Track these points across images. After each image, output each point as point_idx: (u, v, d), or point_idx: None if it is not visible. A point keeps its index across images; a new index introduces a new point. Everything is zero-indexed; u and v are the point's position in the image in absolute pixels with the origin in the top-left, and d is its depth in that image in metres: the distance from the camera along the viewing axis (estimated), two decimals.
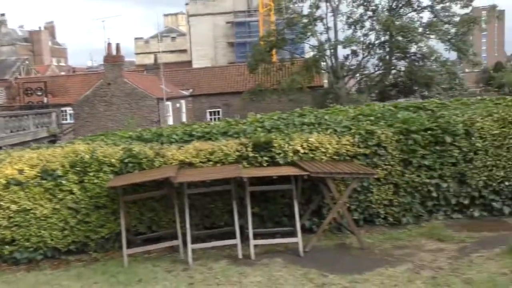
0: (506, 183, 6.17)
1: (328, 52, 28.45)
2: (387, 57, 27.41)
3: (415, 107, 6.90)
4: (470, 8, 27.94)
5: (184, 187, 5.40)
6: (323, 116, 6.58)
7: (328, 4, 27.71)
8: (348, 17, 28.28)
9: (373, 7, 27.95)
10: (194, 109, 36.83)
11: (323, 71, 29.82)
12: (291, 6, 29.46)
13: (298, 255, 5.38)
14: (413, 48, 25.87)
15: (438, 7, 27.37)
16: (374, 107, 6.87)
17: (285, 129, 6.31)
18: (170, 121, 28.44)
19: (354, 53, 29.04)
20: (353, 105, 8.41)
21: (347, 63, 28.98)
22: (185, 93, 36.70)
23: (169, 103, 28.87)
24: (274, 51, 30.49)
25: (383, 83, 28.04)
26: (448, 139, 6.01)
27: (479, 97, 9.16)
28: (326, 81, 33.80)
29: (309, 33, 26.68)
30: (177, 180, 5.22)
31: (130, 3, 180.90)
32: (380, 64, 28.11)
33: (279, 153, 5.87)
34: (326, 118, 6.47)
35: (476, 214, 6.20)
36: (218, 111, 36.72)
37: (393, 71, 28.58)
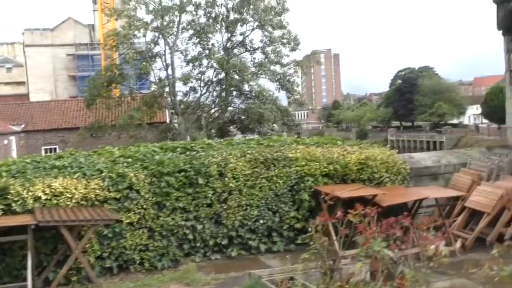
0: (261, 221, 6.39)
1: (167, 89, 28.47)
2: (224, 94, 28.26)
3: (183, 147, 6.91)
4: (298, 50, 30.15)
5: None
6: (80, 158, 6.21)
7: (165, 41, 27.82)
8: (186, 55, 28.71)
9: (210, 46, 28.76)
10: (27, 146, 34.03)
11: (163, 108, 29.64)
12: (131, 41, 29.06)
13: None
14: (246, 87, 27.07)
15: (269, 49, 29.18)
16: (140, 148, 6.71)
17: (32, 173, 5.80)
18: None
19: (194, 90, 29.45)
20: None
21: (186, 99, 29.20)
22: (16, 128, 33.80)
23: None
24: (116, 86, 29.62)
25: (220, 119, 28.76)
26: (201, 180, 6.06)
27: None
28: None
29: (148, 69, 26.40)
30: None
31: None
32: (217, 101, 28.85)
33: (17, 200, 5.36)
34: (81, 161, 6.11)
35: (233, 253, 6.29)
36: (55, 148, 34.27)
37: (230, 108, 29.52)
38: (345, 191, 5.97)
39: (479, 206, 7.04)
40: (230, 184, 6.21)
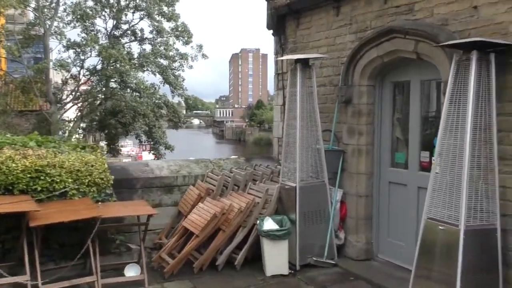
0: None
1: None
2: (102, 84, 26.52)
3: None
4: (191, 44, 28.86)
5: None
6: None
7: (41, 23, 25.65)
8: (69, 40, 26.65)
9: (94, 32, 26.89)
10: None
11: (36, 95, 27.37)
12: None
13: None
14: (129, 78, 25.44)
15: (159, 40, 27.76)
16: None
17: None
18: None
19: (74, 78, 27.42)
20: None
21: (63, 87, 27.12)
22: None
23: None
24: None
25: (99, 111, 26.97)
26: None
27: None
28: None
29: (13, 51, 24.10)
30: None
31: None
32: (98, 91, 27.06)
33: None
34: None
35: None
36: None
37: (113, 100, 27.76)
38: None
39: (192, 226, 6.13)
40: None
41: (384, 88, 6.23)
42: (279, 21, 7.59)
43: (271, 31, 7.87)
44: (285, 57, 6.67)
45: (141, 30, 28.24)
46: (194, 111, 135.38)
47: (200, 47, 27.23)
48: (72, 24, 26.15)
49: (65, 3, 26.64)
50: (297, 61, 6.27)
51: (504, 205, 4.46)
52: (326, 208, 6.30)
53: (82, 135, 28.27)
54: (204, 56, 27.17)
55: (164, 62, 27.03)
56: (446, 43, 4.54)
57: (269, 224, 6.05)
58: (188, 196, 6.71)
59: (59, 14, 26.37)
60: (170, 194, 6.84)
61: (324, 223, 6.28)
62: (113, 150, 28.61)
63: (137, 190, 6.61)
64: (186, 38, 28.24)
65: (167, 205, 6.82)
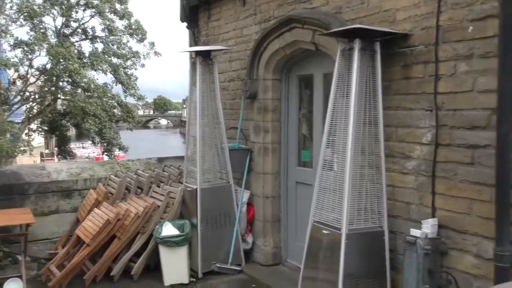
0: None
1: None
2: (51, 83, 25.53)
3: None
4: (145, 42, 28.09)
5: None
6: None
7: None
8: (16, 39, 25.57)
9: (43, 30, 25.88)
10: None
11: None
12: None
13: None
14: (78, 77, 24.53)
15: (112, 38, 26.95)
16: None
17: None
18: None
19: (22, 78, 26.34)
20: None
21: (9, 87, 25.99)
22: None
23: None
24: None
25: (48, 112, 25.94)
26: None
27: None
28: None
29: None
30: None
31: None
32: (46, 90, 26.04)
33: None
34: None
35: None
36: None
37: (63, 100, 26.80)
38: None
39: (83, 234, 5.65)
40: None
41: (291, 82, 5.87)
42: (192, 13, 7.17)
43: (185, 24, 7.43)
44: (183, 50, 6.23)
45: (92, 28, 27.38)
46: (167, 112, 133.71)
47: (152, 44, 26.56)
48: (18, 22, 25.12)
49: (11, 0, 25.42)
50: (198, 54, 5.86)
51: (393, 206, 4.15)
52: (232, 211, 5.91)
53: (31, 136, 27.10)
54: (157, 53, 26.51)
55: (117, 61, 26.25)
56: (329, 31, 4.20)
57: (169, 230, 5.62)
58: (86, 201, 6.22)
59: (7, 12, 25.35)
60: (69, 199, 6.34)
61: (230, 226, 5.88)
62: (64, 152, 27.66)
63: (30, 196, 6.09)
64: (140, 36, 27.55)
65: (66, 211, 6.32)
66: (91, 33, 27.39)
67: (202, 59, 5.84)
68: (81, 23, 26.72)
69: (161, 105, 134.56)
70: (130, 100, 28.47)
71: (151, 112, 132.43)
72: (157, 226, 5.66)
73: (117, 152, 27.11)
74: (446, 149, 3.72)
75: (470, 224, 3.56)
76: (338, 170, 4.04)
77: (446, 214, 3.73)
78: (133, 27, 27.25)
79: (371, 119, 4.07)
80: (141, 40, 27.73)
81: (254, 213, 6.04)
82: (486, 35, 3.42)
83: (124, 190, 6.21)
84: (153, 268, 5.83)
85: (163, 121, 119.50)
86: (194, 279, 5.64)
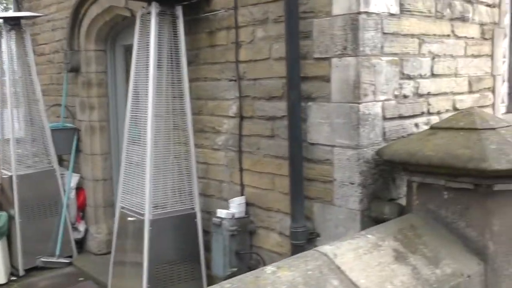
0: None
1: None
2: None
3: None
4: None
5: None
6: None
7: None
8: None
9: None
10: None
11: None
12: None
13: None
14: None
15: None
16: None
17: None
18: None
19: None
20: None
21: None
22: None
23: None
24: None
25: None
26: None
27: None
28: None
29: None
30: None
31: None
32: None
33: None
34: None
35: None
36: None
37: None
38: None
39: None
40: None
41: (117, 53, 5.34)
42: None
43: None
44: None
45: None
46: None
47: None
48: None
49: None
50: (5, 22, 5.09)
51: (207, 185, 3.87)
52: (59, 197, 5.32)
53: None
54: None
55: None
56: None
57: None
58: None
59: None
60: None
61: (56, 215, 5.30)
62: None
63: None
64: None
65: None
66: None
67: (11, 28, 5.08)
68: None
69: None
70: None
71: None
72: None
73: None
74: (250, 121, 3.47)
75: (274, 200, 3.36)
76: (140, 150, 3.65)
77: (253, 191, 3.51)
78: None
79: (178, 91, 3.71)
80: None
81: (85, 199, 5.51)
82: None
83: None
84: None
85: None
86: (16, 277, 5.03)
